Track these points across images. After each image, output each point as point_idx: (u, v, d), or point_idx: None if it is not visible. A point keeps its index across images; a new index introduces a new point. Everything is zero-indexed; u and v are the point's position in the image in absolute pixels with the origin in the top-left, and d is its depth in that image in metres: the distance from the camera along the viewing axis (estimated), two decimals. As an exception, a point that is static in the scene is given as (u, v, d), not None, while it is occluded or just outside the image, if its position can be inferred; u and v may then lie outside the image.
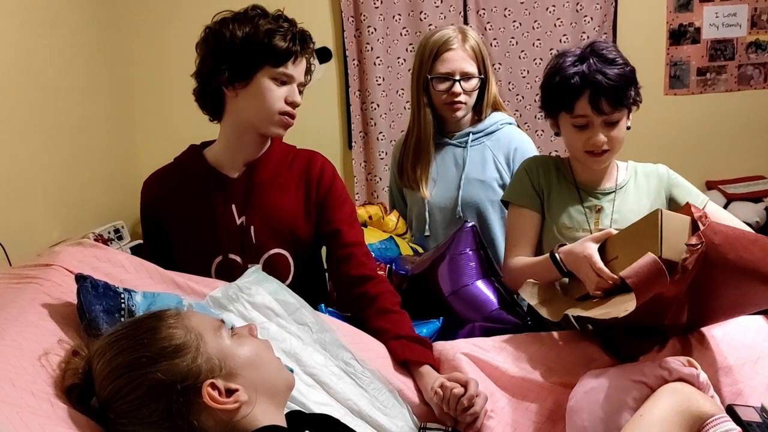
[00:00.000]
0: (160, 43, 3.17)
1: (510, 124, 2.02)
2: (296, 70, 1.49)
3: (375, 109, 3.28)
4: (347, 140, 3.41)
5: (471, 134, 1.99)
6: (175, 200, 1.56)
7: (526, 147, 1.96)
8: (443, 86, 1.90)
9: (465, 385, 1.30)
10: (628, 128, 1.60)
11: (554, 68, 1.57)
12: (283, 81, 1.48)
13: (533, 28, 3.31)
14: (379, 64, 3.26)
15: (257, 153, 1.56)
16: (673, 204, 1.62)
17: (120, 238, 2.75)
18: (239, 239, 1.53)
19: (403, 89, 3.31)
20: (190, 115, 1.61)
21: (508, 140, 1.98)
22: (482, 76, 1.94)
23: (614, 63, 1.51)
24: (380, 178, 3.34)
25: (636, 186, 1.65)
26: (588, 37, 3.30)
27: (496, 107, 2.03)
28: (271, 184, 1.55)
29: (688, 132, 3.52)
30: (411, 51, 3.27)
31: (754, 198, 3.33)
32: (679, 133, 3.50)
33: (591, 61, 1.51)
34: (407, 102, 3.30)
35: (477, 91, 1.95)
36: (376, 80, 3.26)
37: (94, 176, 2.72)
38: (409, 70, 3.25)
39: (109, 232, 2.69)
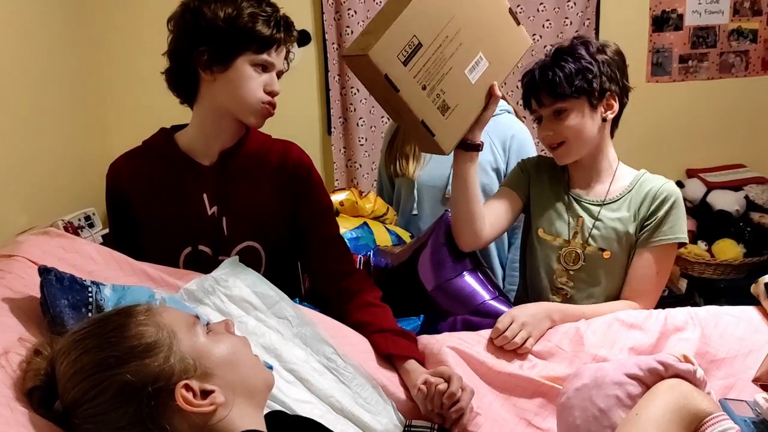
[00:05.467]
0: (131, 21, 3.05)
1: (509, 112, 2.05)
2: (278, 57, 1.42)
3: (355, 94, 3.21)
4: (326, 126, 3.34)
5: None
6: (144, 186, 1.47)
7: (524, 136, 1.99)
8: None
9: (448, 380, 1.25)
10: (605, 120, 1.53)
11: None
12: (264, 68, 1.40)
13: (516, 12, 3.26)
14: (359, 48, 3.19)
15: (233, 141, 1.48)
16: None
17: (91, 225, 2.65)
18: (210, 230, 1.46)
19: (383, 74, 3.25)
20: (164, 96, 1.52)
21: (506, 126, 2.00)
22: None
23: (566, 54, 1.49)
24: (360, 165, 3.27)
25: (630, 199, 1.56)
26: (571, 23, 3.25)
27: None
28: (245, 174, 1.48)
29: (670, 120, 3.50)
30: (392, 35, 3.20)
31: (735, 186, 3.31)
32: (660, 120, 3.47)
33: (543, 59, 1.54)
34: (388, 87, 3.24)
35: None
36: (356, 64, 3.19)
37: (64, 160, 2.61)
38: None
39: (79, 219, 2.60)
